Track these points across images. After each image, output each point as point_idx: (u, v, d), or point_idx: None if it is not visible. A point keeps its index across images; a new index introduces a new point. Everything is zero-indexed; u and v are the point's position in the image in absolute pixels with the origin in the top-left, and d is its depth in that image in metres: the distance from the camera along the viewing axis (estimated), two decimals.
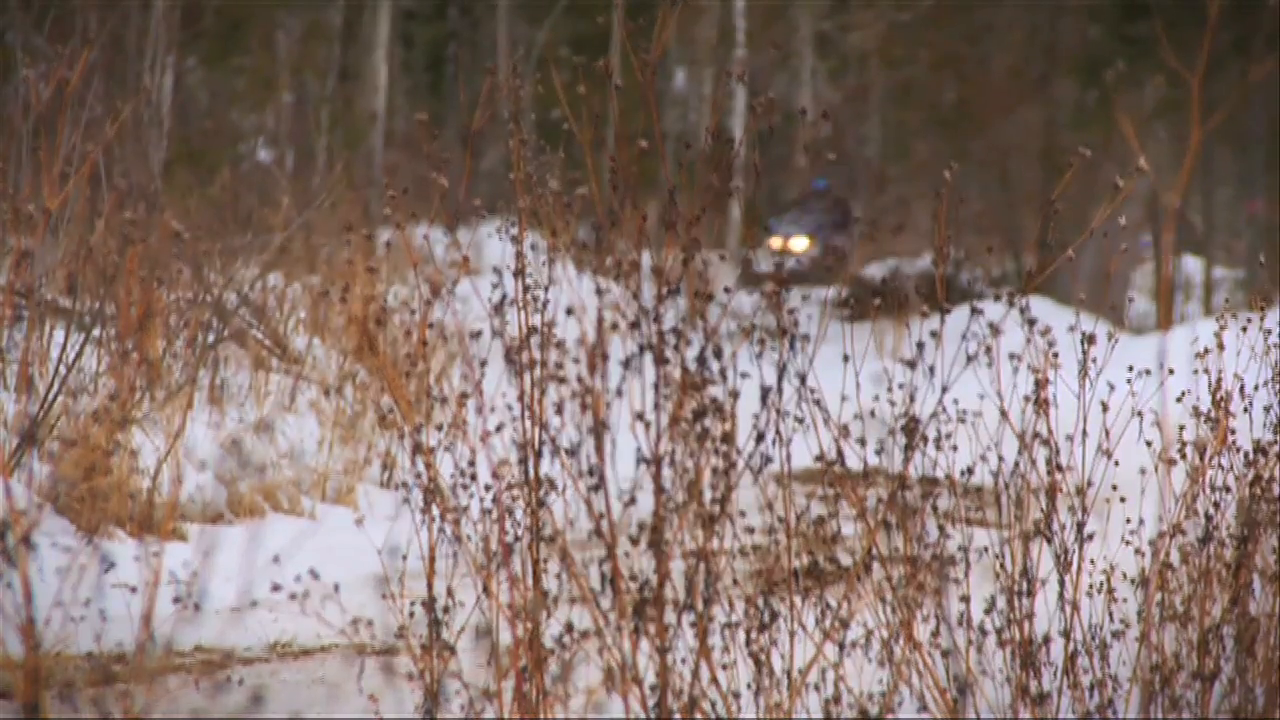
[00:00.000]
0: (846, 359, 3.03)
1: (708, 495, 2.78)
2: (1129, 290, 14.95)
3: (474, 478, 2.99)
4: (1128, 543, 3.21)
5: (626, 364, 2.70)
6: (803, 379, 2.89)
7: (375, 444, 7.15)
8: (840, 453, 3.03)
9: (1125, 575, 3.22)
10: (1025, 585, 3.07)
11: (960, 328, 2.95)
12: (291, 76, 20.76)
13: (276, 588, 2.95)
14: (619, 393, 2.67)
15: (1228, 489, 3.23)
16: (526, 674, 2.86)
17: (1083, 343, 3.19)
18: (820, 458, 3.04)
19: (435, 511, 3.04)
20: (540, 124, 22.48)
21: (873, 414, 3.02)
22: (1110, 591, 3.18)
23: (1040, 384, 3.12)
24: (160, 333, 6.65)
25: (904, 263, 15.95)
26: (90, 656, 3.90)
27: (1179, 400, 3.31)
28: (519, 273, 3.13)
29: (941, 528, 3.06)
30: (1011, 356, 3.03)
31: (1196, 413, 3.30)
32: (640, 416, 2.71)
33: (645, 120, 2.80)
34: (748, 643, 2.93)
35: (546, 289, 3.10)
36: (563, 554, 2.84)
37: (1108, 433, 3.16)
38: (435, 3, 24.67)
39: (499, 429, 2.86)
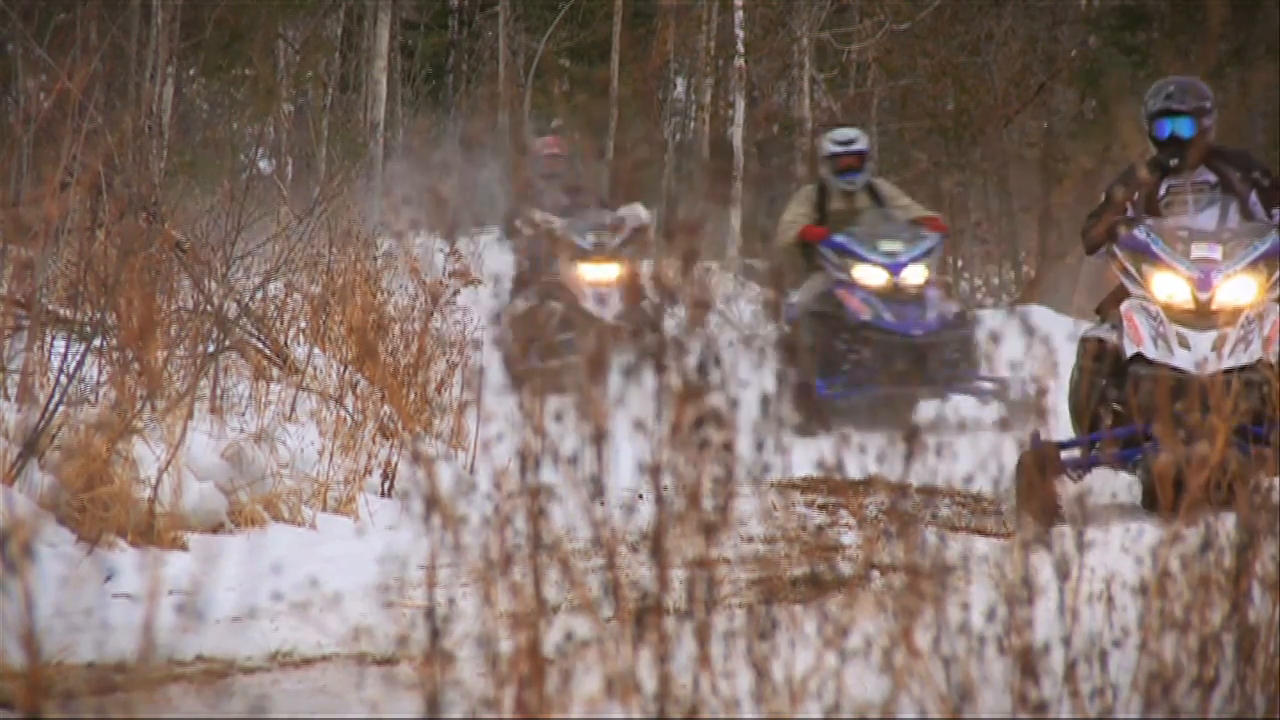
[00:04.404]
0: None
1: (707, 503, 2.78)
2: None
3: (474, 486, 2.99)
4: (1127, 550, 3.21)
5: (627, 373, 2.71)
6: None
7: (376, 453, 7.14)
8: (840, 460, 3.03)
9: (1125, 583, 3.22)
10: (1025, 593, 3.07)
11: None
12: (292, 86, 20.78)
13: (278, 597, 2.96)
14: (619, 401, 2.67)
15: None
16: (527, 682, 2.86)
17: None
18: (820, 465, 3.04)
19: (436, 520, 3.05)
20: (540, 133, 22.47)
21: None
22: (1110, 599, 3.18)
23: (1040, 391, 3.12)
24: (161, 342, 6.66)
25: None
26: (91, 666, 3.90)
27: None
28: (519, 281, 3.13)
29: (941, 535, 3.06)
30: (1012, 366, 3.04)
31: None
32: (640, 424, 2.72)
33: (645, 129, 2.82)
34: (748, 651, 2.93)
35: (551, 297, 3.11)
36: (563, 562, 2.85)
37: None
38: (436, 12, 24.70)
39: (499, 437, 2.87)
